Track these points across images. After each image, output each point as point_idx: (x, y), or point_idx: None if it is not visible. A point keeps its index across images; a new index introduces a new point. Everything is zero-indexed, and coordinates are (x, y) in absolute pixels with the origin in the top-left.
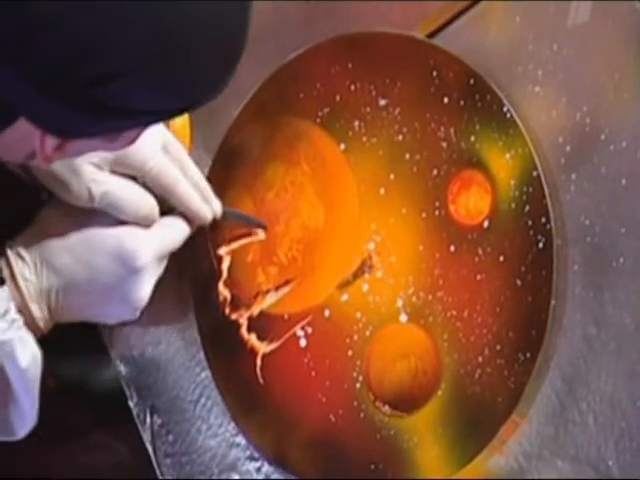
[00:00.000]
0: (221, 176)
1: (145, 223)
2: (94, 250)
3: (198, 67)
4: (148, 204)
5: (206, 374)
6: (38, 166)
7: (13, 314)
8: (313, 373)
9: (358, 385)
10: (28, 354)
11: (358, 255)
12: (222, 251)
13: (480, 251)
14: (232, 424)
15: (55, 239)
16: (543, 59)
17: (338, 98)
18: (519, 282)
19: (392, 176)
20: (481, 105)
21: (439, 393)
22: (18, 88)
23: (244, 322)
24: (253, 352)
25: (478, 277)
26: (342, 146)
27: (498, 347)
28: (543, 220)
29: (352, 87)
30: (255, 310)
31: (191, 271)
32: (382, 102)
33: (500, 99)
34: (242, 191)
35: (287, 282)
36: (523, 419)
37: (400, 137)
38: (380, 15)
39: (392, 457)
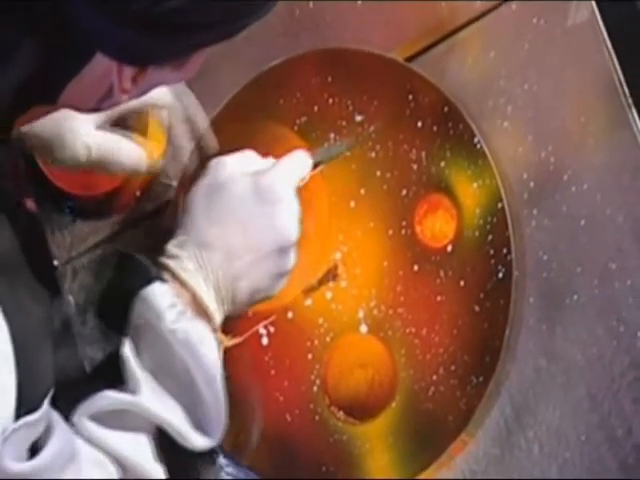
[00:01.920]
0: (196, 173)
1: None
2: (232, 204)
3: None
4: (137, 153)
5: None
6: (106, 108)
7: (180, 307)
8: (273, 372)
9: (315, 388)
10: (206, 344)
11: (324, 263)
12: None
13: (442, 273)
14: None
15: (195, 223)
16: (514, 96)
17: (316, 109)
18: (477, 308)
19: (363, 191)
20: (453, 133)
21: (393, 405)
22: (93, 21)
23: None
24: None
25: (438, 298)
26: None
27: (452, 368)
28: (504, 251)
29: (330, 100)
30: None
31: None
32: (358, 118)
33: (472, 130)
34: None
35: None
36: (471, 439)
37: (373, 154)
38: (360, 36)
39: (343, 461)
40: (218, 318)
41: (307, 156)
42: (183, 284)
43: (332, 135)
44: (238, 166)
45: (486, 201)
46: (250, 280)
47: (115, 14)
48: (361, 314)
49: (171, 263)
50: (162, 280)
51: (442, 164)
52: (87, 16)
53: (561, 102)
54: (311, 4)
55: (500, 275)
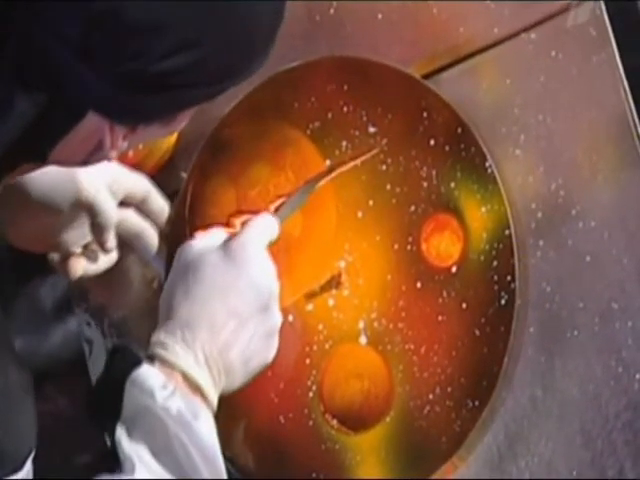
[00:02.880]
0: (207, 164)
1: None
2: (207, 278)
3: (252, 39)
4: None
5: None
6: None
7: (172, 387)
8: (269, 372)
9: (311, 394)
10: (201, 420)
11: (328, 270)
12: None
13: (445, 294)
14: None
15: (175, 308)
16: (527, 125)
17: (330, 115)
18: (477, 332)
19: (371, 202)
20: (465, 155)
21: (387, 420)
22: (87, 82)
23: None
24: None
25: (439, 318)
26: (327, 162)
27: (449, 389)
28: (508, 278)
29: (345, 108)
30: None
31: (167, 248)
32: (371, 129)
33: (484, 154)
34: (226, 182)
35: None
36: (463, 463)
37: (384, 167)
38: (378, 48)
39: (334, 470)
40: (213, 394)
41: (273, 218)
42: (173, 367)
43: (344, 143)
44: (204, 243)
45: (493, 226)
46: (239, 347)
47: (109, 75)
48: (361, 325)
49: (159, 351)
50: (151, 364)
51: (452, 185)
52: (81, 77)
53: (574, 137)
54: (332, 11)
55: (502, 302)
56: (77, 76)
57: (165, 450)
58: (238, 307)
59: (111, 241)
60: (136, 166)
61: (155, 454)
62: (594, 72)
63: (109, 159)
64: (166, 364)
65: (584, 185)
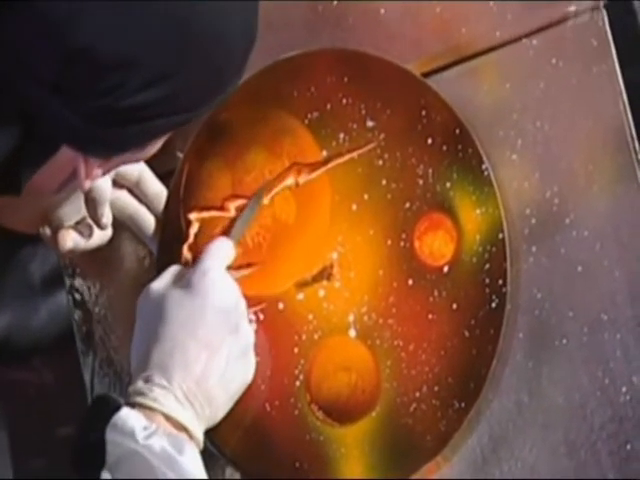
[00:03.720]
0: (204, 147)
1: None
2: (171, 315)
3: (223, 69)
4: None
5: None
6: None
7: (154, 426)
8: (257, 358)
9: (298, 383)
10: (186, 454)
11: (320, 260)
12: (192, 216)
13: (436, 293)
14: None
15: (146, 353)
16: (525, 131)
17: (329, 106)
18: (467, 333)
19: (366, 196)
20: (462, 156)
21: (373, 414)
22: (62, 117)
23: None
24: None
25: (430, 316)
26: (324, 153)
27: (436, 388)
28: (500, 282)
29: (344, 100)
30: None
31: (161, 227)
32: (370, 123)
33: (481, 156)
34: (222, 165)
35: (249, 265)
36: (446, 463)
37: (380, 162)
38: (379, 43)
39: (317, 461)
40: (197, 429)
41: (227, 241)
42: (153, 410)
43: (342, 135)
44: (164, 283)
45: (487, 229)
46: (216, 375)
47: (82, 110)
48: (351, 318)
49: (138, 399)
50: (131, 408)
51: (448, 185)
52: (54, 112)
53: (571, 146)
54: (335, 2)
55: (493, 305)
56: (51, 111)
57: None
58: (208, 337)
59: (106, 217)
60: None
61: None
62: (594, 82)
63: (83, 188)
64: (146, 408)
65: (579, 194)
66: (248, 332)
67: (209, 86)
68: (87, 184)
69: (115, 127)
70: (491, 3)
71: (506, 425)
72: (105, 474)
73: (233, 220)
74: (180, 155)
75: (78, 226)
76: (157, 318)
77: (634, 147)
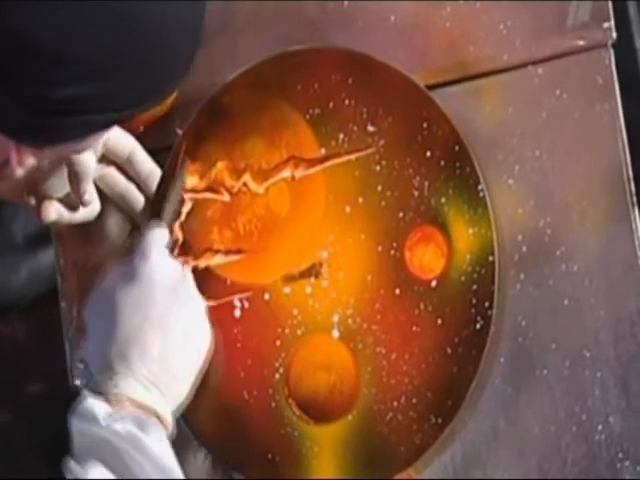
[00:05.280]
0: (202, 128)
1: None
2: (117, 301)
3: (163, 72)
4: None
5: None
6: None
7: (118, 411)
8: (239, 345)
9: (277, 376)
10: (152, 434)
11: (310, 257)
12: (185, 195)
13: (422, 306)
14: None
15: (103, 344)
16: (523, 157)
17: (331, 105)
18: (449, 350)
19: (361, 200)
20: (459, 173)
21: (349, 418)
22: None
23: (188, 270)
24: None
25: (414, 328)
26: (322, 151)
27: (414, 400)
28: (487, 304)
29: (347, 101)
30: (201, 263)
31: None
32: (370, 128)
33: (478, 176)
34: (219, 149)
35: (238, 251)
36: (418, 475)
37: (378, 167)
38: (385, 50)
39: (290, 456)
40: (165, 410)
41: (161, 225)
42: (117, 396)
43: (341, 135)
44: (106, 283)
45: (478, 250)
46: (176, 352)
47: (12, 97)
48: (336, 318)
49: (101, 388)
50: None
51: (442, 200)
52: None
53: (567, 179)
54: (346, 3)
55: (478, 326)
56: None
57: (122, 473)
58: (161, 317)
59: (89, 193)
60: None
61: (111, 472)
62: (595, 119)
63: (16, 175)
64: (111, 396)
65: (571, 228)
66: (199, 302)
67: (148, 86)
68: (19, 171)
69: (46, 118)
70: (501, 26)
71: (480, 447)
72: (72, 464)
73: (158, 200)
74: (179, 132)
75: (64, 198)
76: (108, 316)
77: (630, 189)
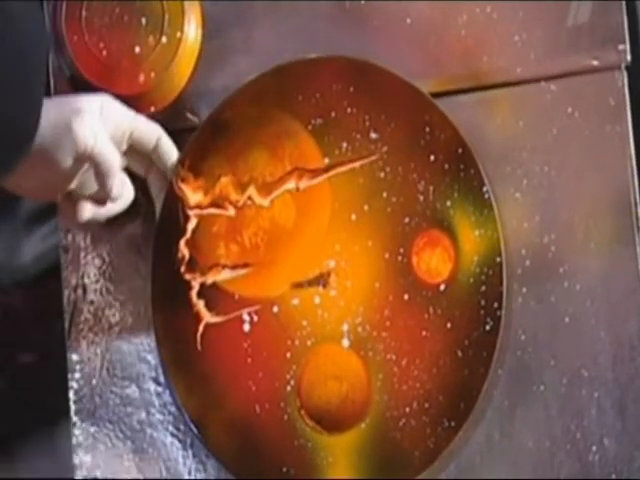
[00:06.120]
0: (206, 142)
1: None
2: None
3: None
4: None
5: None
6: None
7: None
8: (249, 360)
9: (289, 388)
10: None
11: (317, 267)
12: (191, 212)
13: (431, 310)
14: (149, 338)
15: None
16: (531, 172)
17: (333, 114)
18: (460, 353)
19: (366, 207)
20: (464, 176)
21: (362, 426)
22: None
23: (196, 286)
24: (198, 318)
25: (424, 333)
26: (326, 160)
27: (426, 405)
28: (495, 305)
29: (349, 110)
30: (209, 279)
31: (160, 219)
32: (373, 135)
33: (482, 178)
34: (223, 162)
35: (245, 265)
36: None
37: (382, 174)
38: (397, 52)
39: (305, 467)
40: None
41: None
42: None
43: (345, 144)
44: None
45: (485, 251)
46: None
47: None
48: (345, 327)
49: None
50: None
51: (448, 203)
52: None
53: (574, 198)
54: (362, 2)
55: (487, 327)
56: None
57: None
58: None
59: (116, 188)
60: (144, 94)
61: None
62: (606, 140)
63: None
64: None
65: (576, 247)
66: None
67: None
68: None
69: None
70: (517, 38)
71: (474, 457)
72: None
73: None
74: (190, 116)
75: (95, 195)
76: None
77: (636, 212)
